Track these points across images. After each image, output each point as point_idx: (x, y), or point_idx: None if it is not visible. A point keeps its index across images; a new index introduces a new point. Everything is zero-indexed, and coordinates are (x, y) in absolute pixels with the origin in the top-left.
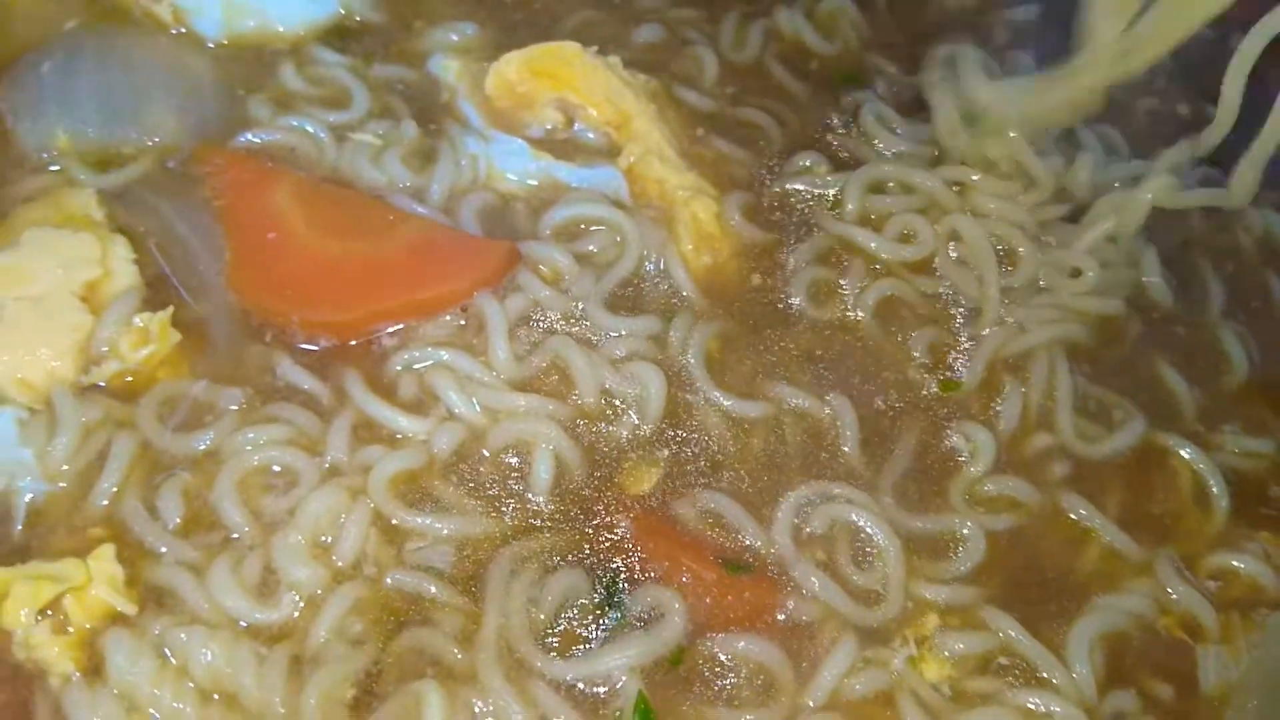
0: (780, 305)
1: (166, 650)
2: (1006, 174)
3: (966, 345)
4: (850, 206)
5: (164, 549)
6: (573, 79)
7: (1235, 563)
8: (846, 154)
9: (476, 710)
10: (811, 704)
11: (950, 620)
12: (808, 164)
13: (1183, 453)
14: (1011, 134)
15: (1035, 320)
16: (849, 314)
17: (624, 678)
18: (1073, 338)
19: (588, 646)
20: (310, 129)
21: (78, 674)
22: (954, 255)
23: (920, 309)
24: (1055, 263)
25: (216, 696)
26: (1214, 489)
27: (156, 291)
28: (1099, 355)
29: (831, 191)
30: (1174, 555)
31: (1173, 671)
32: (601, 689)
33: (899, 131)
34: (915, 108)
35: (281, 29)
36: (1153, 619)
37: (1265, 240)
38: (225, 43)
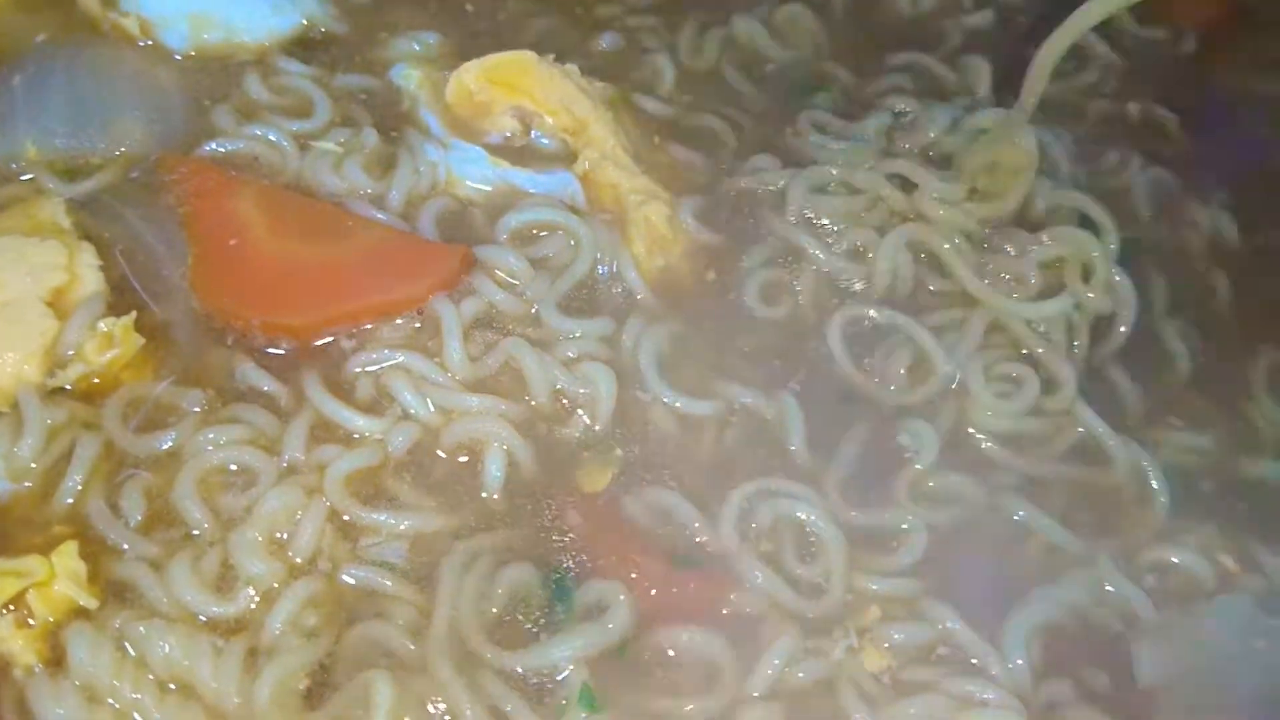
0: (733, 305)
1: (126, 643)
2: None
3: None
4: (793, 207)
5: (126, 545)
6: (530, 87)
7: (1174, 557)
8: (798, 157)
9: (426, 700)
10: (754, 693)
11: (891, 611)
12: (761, 167)
13: (1124, 449)
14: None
15: None
16: (799, 314)
17: (570, 668)
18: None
19: (536, 638)
20: (273, 138)
21: (40, 666)
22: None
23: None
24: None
25: (174, 687)
26: (1154, 485)
27: (121, 296)
28: None
29: (779, 191)
30: (1113, 549)
31: (1109, 662)
32: (549, 679)
33: (847, 135)
34: (865, 113)
35: (246, 40)
36: (1089, 610)
37: (1213, 239)
38: (192, 54)
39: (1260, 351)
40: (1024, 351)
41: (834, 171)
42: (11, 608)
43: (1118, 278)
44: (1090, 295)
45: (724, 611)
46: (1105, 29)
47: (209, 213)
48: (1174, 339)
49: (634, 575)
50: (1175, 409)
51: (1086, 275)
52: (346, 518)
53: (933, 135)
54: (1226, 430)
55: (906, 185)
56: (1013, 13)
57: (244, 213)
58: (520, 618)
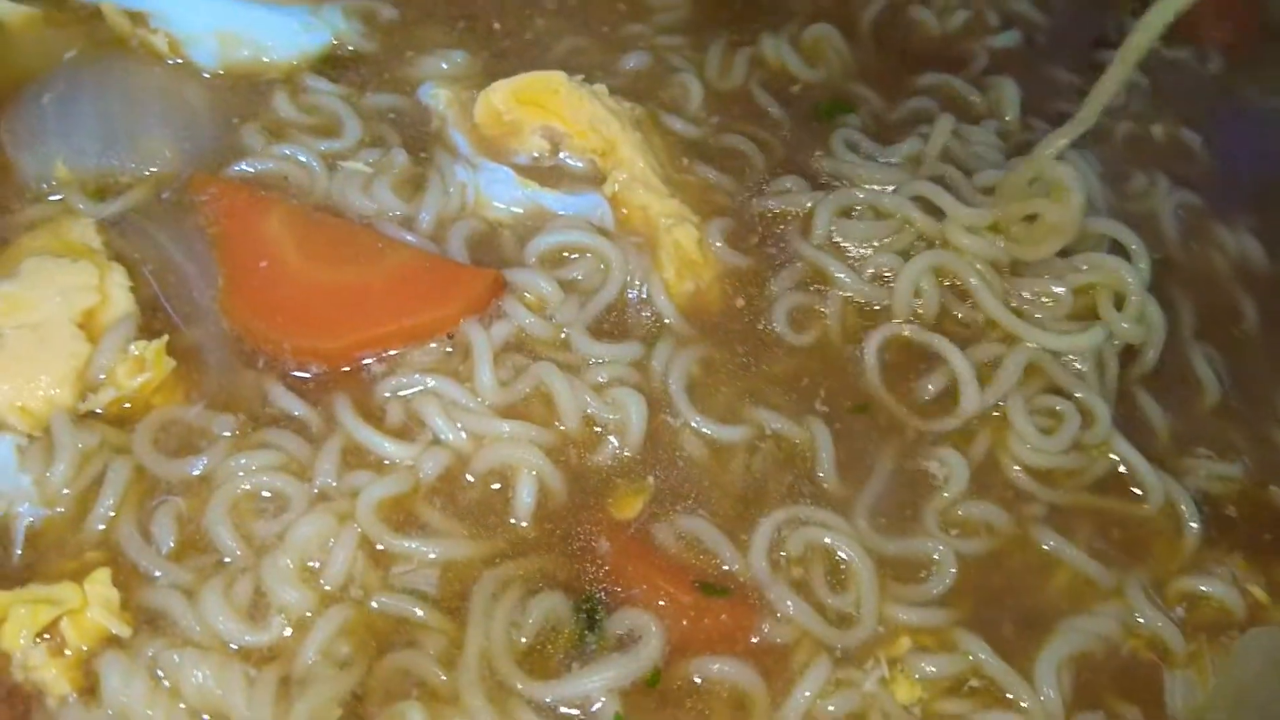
0: (762, 330)
1: (159, 672)
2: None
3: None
4: (819, 231)
5: (158, 573)
6: (559, 107)
7: (1204, 587)
8: (826, 179)
9: None
10: None
11: (922, 642)
12: (788, 188)
13: (1160, 482)
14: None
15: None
16: (827, 339)
17: (602, 698)
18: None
19: (567, 668)
20: (302, 158)
21: (74, 695)
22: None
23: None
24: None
25: (207, 717)
26: (1185, 515)
27: (152, 318)
28: None
29: (806, 214)
30: (1144, 579)
31: (1140, 694)
32: (580, 709)
33: (877, 158)
34: (893, 134)
35: (275, 58)
36: (1120, 642)
37: (1240, 263)
38: (220, 72)
39: None
40: (1058, 385)
41: (860, 194)
42: (46, 636)
43: (1149, 305)
44: (1125, 325)
45: (754, 641)
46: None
47: (239, 234)
48: (1202, 364)
49: (664, 604)
50: (1203, 436)
51: (1119, 303)
52: (378, 545)
53: (979, 174)
54: (1255, 457)
55: (935, 210)
56: (1037, 32)
57: (274, 234)
58: (551, 647)
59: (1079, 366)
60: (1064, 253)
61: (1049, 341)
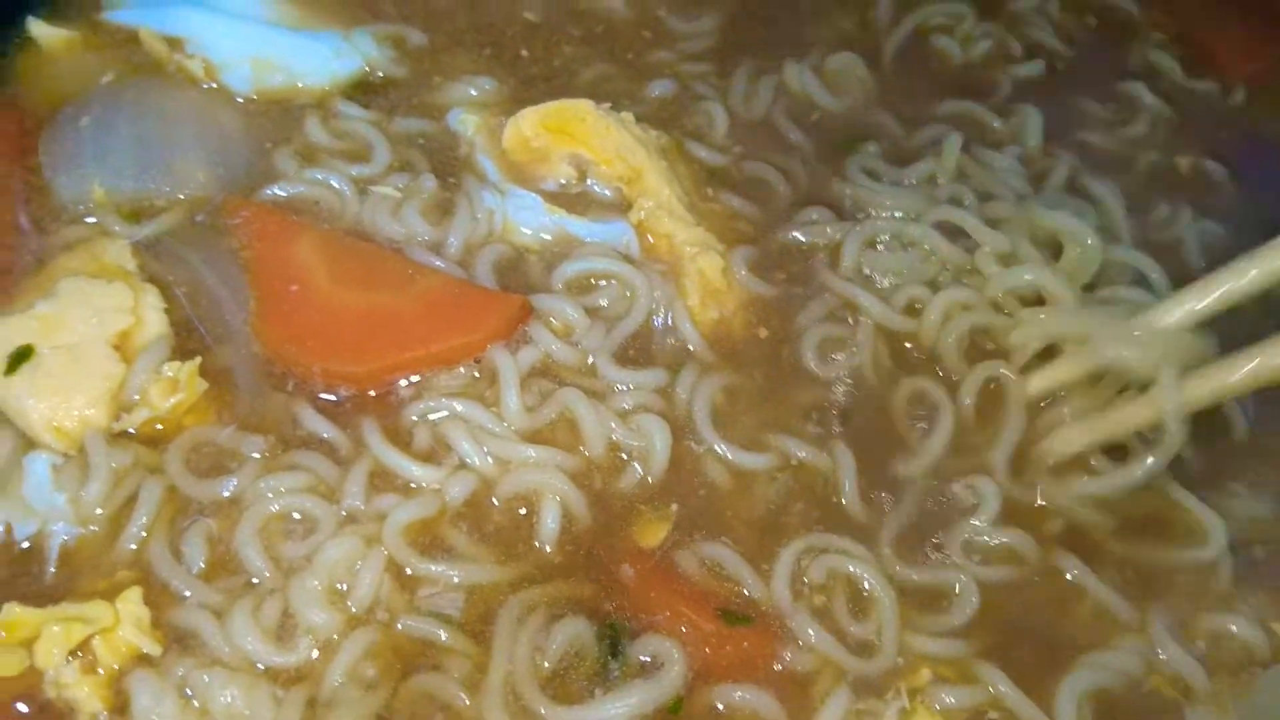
0: (787, 359)
1: (189, 691)
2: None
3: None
4: (848, 262)
5: (188, 592)
6: (586, 135)
7: (1230, 625)
8: (850, 208)
9: None
10: None
11: (942, 673)
12: (814, 219)
13: (1193, 509)
14: None
15: None
16: (856, 369)
17: None
18: None
19: (590, 694)
20: (334, 182)
21: (105, 713)
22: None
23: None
24: None
25: None
26: (1219, 555)
27: (185, 340)
28: None
29: (832, 244)
30: (1167, 615)
31: None
32: None
33: (894, 181)
34: (912, 159)
35: (307, 84)
36: (1142, 678)
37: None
38: (254, 97)
39: None
40: None
41: (886, 225)
42: (78, 654)
43: None
44: None
45: (776, 669)
46: (1154, 82)
47: (271, 258)
48: (1230, 401)
49: (687, 631)
50: (1233, 474)
51: None
52: (405, 569)
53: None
54: None
55: (960, 236)
56: (1060, 61)
57: (305, 258)
58: (575, 673)
59: None
60: (1088, 286)
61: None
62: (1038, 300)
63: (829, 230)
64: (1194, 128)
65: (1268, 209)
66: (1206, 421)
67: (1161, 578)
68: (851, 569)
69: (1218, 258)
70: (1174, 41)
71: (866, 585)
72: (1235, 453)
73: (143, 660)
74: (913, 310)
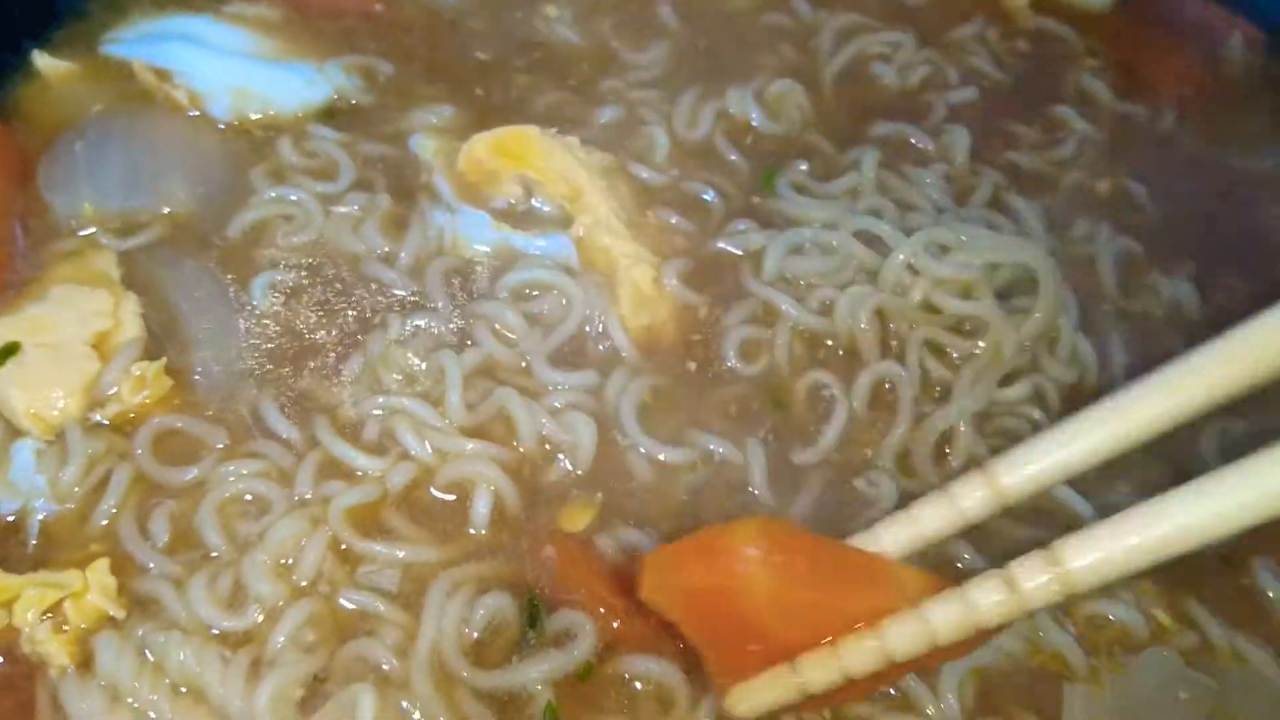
0: (711, 360)
1: (147, 650)
2: None
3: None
4: (770, 268)
5: (151, 565)
6: (532, 158)
7: (1109, 610)
8: (778, 221)
9: (405, 710)
10: (705, 718)
11: None
12: (741, 229)
13: (1060, 496)
14: None
15: None
16: (775, 368)
17: (538, 688)
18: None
19: (509, 660)
20: (302, 198)
21: (72, 667)
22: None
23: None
24: None
25: (185, 690)
26: None
27: (159, 342)
28: None
29: (758, 252)
30: None
31: (1040, 706)
32: (517, 698)
33: (822, 197)
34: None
35: (282, 111)
36: (1025, 656)
37: (1174, 308)
38: (234, 123)
39: (1211, 416)
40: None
41: (808, 233)
42: (50, 615)
43: (1080, 345)
44: (1055, 370)
45: (679, 643)
46: (1086, 107)
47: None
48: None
49: (599, 607)
50: (1127, 472)
51: (1051, 345)
52: (344, 547)
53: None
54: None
55: (876, 242)
56: (995, 87)
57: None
58: (497, 641)
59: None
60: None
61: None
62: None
63: (754, 239)
64: (1121, 150)
65: (1185, 227)
66: None
67: None
68: None
69: (1131, 272)
70: (1107, 68)
71: None
72: (1135, 451)
73: (108, 622)
74: (826, 310)
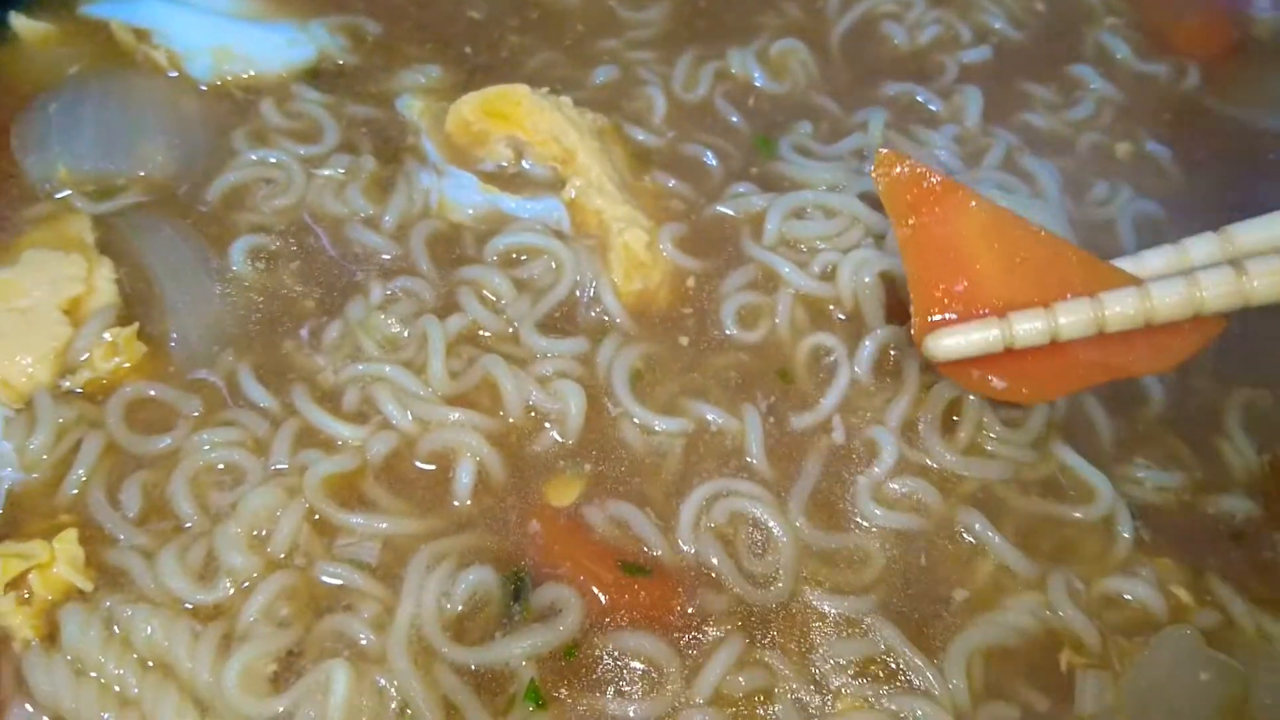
0: (709, 328)
1: (114, 623)
2: None
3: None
4: (771, 232)
5: (121, 535)
6: (521, 118)
7: (1126, 589)
8: (780, 183)
9: (382, 687)
10: (698, 699)
11: (836, 626)
12: (741, 192)
13: (1078, 469)
14: None
15: None
16: (776, 335)
17: (521, 664)
18: None
19: (491, 636)
20: (285, 161)
21: (36, 640)
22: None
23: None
24: None
25: (152, 664)
26: (1119, 521)
27: (134, 308)
28: None
29: (758, 216)
30: (1068, 576)
31: (1053, 687)
32: (500, 675)
33: (826, 159)
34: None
35: (264, 71)
36: (1038, 635)
37: None
38: (215, 84)
39: (1235, 389)
40: None
41: (810, 195)
42: (14, 587)
43: None
44: None
45: (671, 619)
46: (1106, 66)
47: (930, 237)
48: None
49: (587, 581)
50: (1147, 444)
51: None
52: (321, 518)
53: None
54: (1195, 466)
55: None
56: (1009, 46)
57: (973, 243)
58: (479, 616)
59: None
60: None
61: None
62: None
63: (755, 202)
64: (1142, 111)
65: (1207, 189)
66: (1122, 393)
67: (1066, 542)
68: (752, 509)
69: (1149, 239)
70: (1130, 26)
71: (766, 525)
72: (1149, 424)
73: (75, 595)
74: (829, 275)
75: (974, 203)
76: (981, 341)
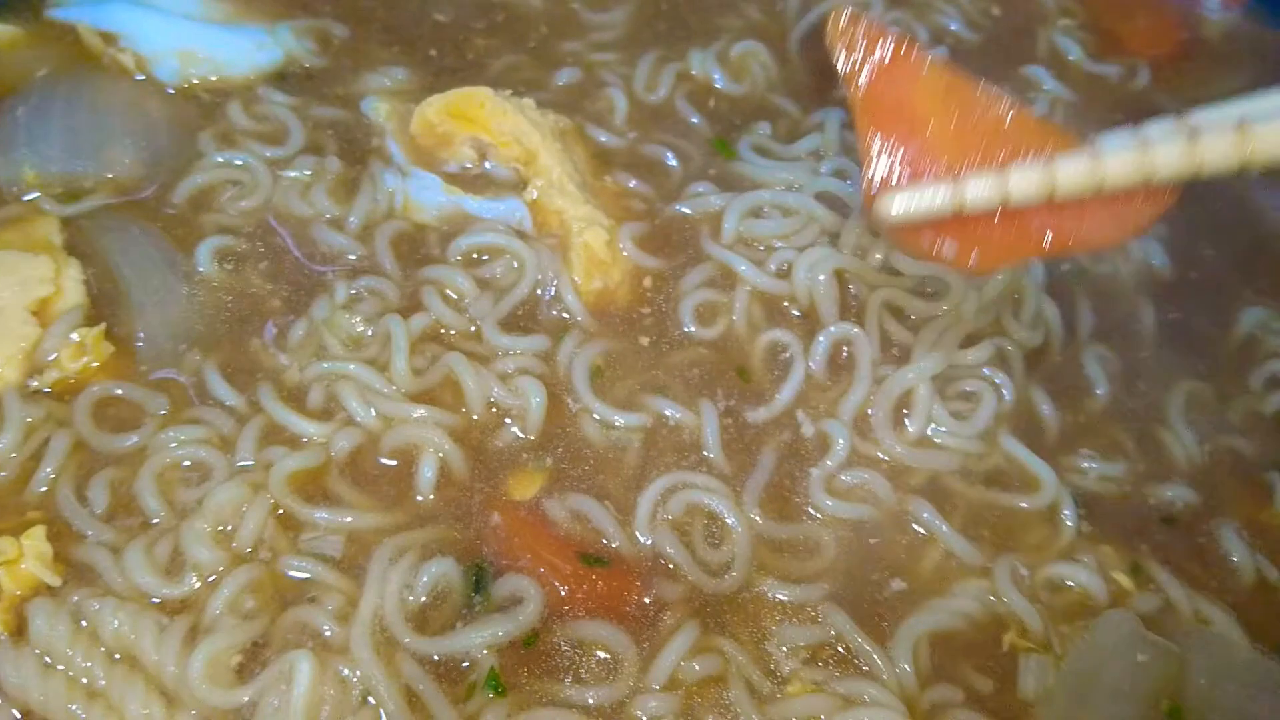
0: (668, 325)
1: (82, 617)
2: None
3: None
4: (729, 231)
5: (89, 532)
6: (484, 120)
7: (1069, 575)
8: (737, 183)
9: (345, 676)
10: (654, 685)
11: (788, 613)
12: (700, 191)
13: (1023, 459)
14: None
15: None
16: (733, 332)
17: (482, 654)
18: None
19: (452, 627)
20: (251, 163)
21: (4, 634)
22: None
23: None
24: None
25: (118, 657)
26: (1064, 511)
27: (101, 309)
28: None
29: (716, 215)
30: (1013, 562)
31: (996, 670)
32: (460, 664)
33: (784, 159)
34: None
35: (231, 74)
36: (983, 620)
37: (1144, 270)
38: (182, 87)
39: (1177, 381)
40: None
41: (768, 195)
42: None
43: (1045, 308)
44: (1019, 333)
45: (627, 608)
46: (1059, 67)
47: (884, 99)
48: (1094, 365)
49: (546, 572)
50: (1091, 436)
51: (1016, 307)
52: (284, 513)
53: None
54: (1138, 457)
55: (839, 204)
56: (966, 48)
57: (925, 106)
58: (441, 607)
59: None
60: None
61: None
62: None
63: (713, 201)
64: (1093, 111)
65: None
66: (1068, 386)
67: (1011, 531)
68: (707, 501)
69: None
70: (1082, 27)
71: (721, 516)
72: (1094, 416)
73: (43, 590)
74: (784, 272)
75: (929, 65)
76: (931, 202)
